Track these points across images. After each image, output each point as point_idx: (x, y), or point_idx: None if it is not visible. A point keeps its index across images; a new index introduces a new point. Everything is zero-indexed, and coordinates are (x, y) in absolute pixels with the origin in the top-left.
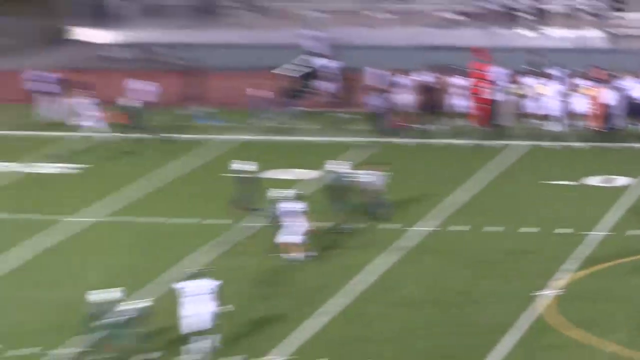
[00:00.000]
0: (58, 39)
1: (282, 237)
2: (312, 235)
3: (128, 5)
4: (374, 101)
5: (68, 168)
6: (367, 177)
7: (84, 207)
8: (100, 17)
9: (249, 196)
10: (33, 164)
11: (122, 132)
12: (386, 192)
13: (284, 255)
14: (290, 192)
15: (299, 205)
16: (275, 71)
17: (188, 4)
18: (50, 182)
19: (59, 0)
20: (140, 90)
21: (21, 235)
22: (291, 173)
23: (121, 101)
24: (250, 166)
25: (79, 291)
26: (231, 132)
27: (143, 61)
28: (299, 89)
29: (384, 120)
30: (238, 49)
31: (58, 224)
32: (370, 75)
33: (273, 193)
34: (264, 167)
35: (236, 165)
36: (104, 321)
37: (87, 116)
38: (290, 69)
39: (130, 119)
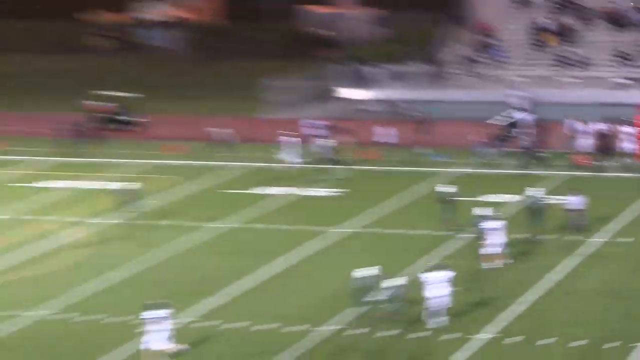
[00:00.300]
0: (327, 96)
1: (484, 249)
2: (511, 246)
3: (379, 72)
4: (524, 142)
5: (332, 192)
6: (571, 199)
7: (344, 221)
8: (358, 80)
9: (451, 213)
10: (307, 188)
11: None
12: (587, 211)
13: (485, 264)
14: (490, 212)
15: (498, 223)
16: (488, 121)
17: (423, 70)
18: (319, 202)
19: (328, 67)
20: (385, 134)
21: (297, 242)
22: (499, 197)
23: (319, 142)
24: (451, 189)
25: (339, 283)
26: (454, 166)
27: (389, 113)
28: (505, 134)
29: (533, 156)
30: (460, 104)
31: (325, 234)
32: (567, 124)
33: (478, 212)
34: (479, 192)
35: (440, 187)
36: (371, 295)
37: (291, 152)
38: (499, 119)
39: (328, 155)
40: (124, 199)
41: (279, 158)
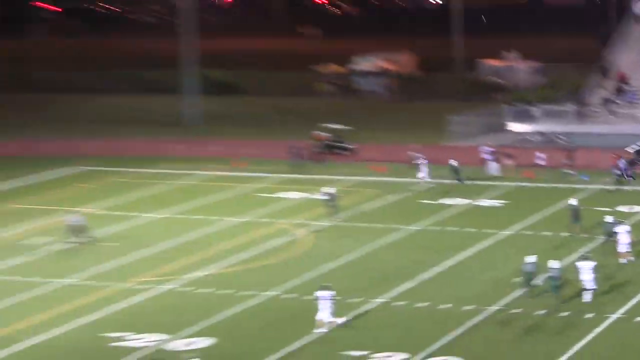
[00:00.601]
0: (499, 129)
1: (618, 248)
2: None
3: (538, 110)
4: (621, 164)
5: (497, 202)
6: None
7: (506, 225)
8: (522, 116)
9: (578, 221)
10: (479, 199)
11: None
12: None
13: (621, 260)
14: (619, 219)
15: (625, 227)
16: (626, 149)
17: (572, 109)
18: (487, 211)
19: (500, 107)
20: (540, 158)
21: (471, 241)
22: (629, 208)
23: (450, 162)
24: (575, 200)
25: (503, 273)
26: (594, 184)
27: (544, 142)
28: (635, 160)
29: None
30: (600, 136)
31: (491, 235)
32: None
33: (608, 219)
34: (613, 204)
35: (571, 200)
36: (535, 277)
37: (424, 172)
38: (631, 147)
39: (455, 174)
40: (331, 206)
41: (417, 176)
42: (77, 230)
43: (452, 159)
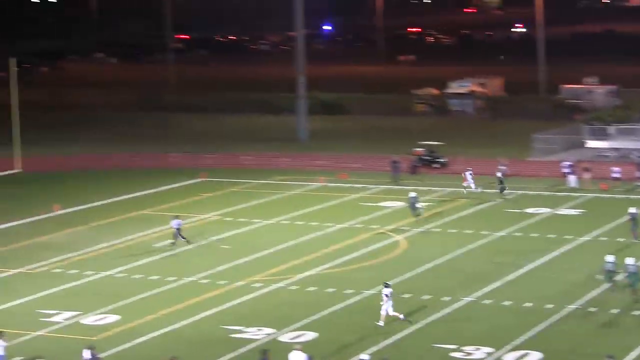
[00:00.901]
0: (578, 145)
1: None
2: None
3: (612, 129)
4: None
5: (575, 211)
6: None
7: (586, 232)
8: (598, 134)
9: (636, 226)
10: (559, 209)
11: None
12: None
13: None
14: None
15: None
16: None
17: None
18: (566, 219)
19: (579, 125)
20: (615, 172)
21: (551, 245)
22: None
23: (497, 174)
24: (634, 210)
25: (581, 275)
26: None
27: (618, 157)
28: None
29: None
30: None
31: (570, 241)
32: None
33: None
34: None
35: (631, 209)
36: (615, 273)
37: (471, 183)
38: None
39: (500, 183)
40: (413, 208)
41: (465, 185)
42: (175, 233)
43: (499, 171)
